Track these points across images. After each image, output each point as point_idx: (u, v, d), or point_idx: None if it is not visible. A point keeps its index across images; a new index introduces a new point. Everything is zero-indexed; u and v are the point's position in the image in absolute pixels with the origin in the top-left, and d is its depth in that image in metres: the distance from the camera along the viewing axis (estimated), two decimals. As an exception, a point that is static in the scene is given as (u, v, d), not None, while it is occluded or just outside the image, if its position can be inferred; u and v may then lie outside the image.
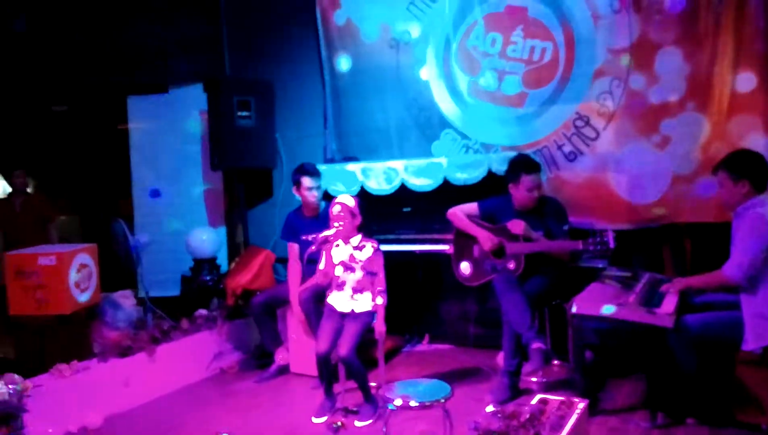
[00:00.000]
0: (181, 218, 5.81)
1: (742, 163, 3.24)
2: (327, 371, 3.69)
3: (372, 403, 3.65)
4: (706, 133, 4.11)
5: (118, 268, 4.86)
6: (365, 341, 3.88)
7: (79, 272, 4.21)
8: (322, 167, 4.86)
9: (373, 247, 3.70)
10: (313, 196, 4.37)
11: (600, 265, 4.03)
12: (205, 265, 5.33)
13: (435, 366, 4.48)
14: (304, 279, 4.31)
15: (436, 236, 4.57)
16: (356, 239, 3.71)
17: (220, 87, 5.30)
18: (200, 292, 5.17)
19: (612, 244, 3.46)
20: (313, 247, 3.64)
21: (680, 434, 3.21)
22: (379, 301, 3.69)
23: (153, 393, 4.23)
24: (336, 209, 3.68)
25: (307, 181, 4.36)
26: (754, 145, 3.80)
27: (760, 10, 3.94)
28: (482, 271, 4.03)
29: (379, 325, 3.70)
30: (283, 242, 4.60)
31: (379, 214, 4.78)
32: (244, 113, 5.31)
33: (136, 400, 4.12)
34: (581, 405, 2.87)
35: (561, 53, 4.52)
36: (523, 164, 3.90)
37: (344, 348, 3.54)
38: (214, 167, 5.40)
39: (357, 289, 3.71)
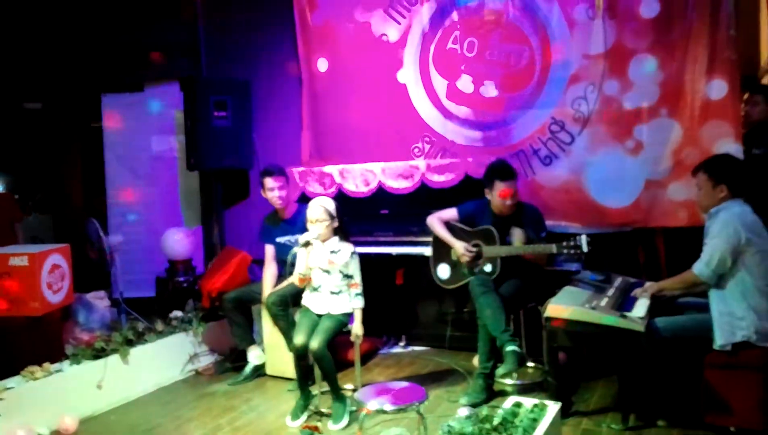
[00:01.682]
0: (156, 218, 5.75)
1: (722, 167, 3.30)
2: (304, 369, 3.68)
3: (341, 401, 3.66)
4: (678, 138, 4.18)
5: (92, 268, 4.80)
6: (342, 343, 3.90)
7: (51, 273, 4.15)
8: (299, 169, 4.86)
9: (348, 250, 3.71)
10: (275, 196, 4.35)
11: (574, 269, 4.09)
12: (180, 266, 5.29)
13: (411, 368, 4.51)
14: (279, 281, 4.31)
15: (413, 239, 4.59)
16: (333, 242, 3.72)
17: (196, 86, 5.26)
18: (175, 294, 5.13)
19: (585, 248, 3.51)
20: (295, 250, 3.63)
21: (651, 436, 3.28)
22: (356, 303, 3.71)
23: (127, 395, 4.19)
24: (314, 212, 3.67)
25: (268, 181, 4.34)
26: (724, 151, 3.88)
27: (731, 19, 4.01)
28: (459, 274, 4.07)
29: (356, 328, 3.71)
30: (259, 243, 4.59)
31: (356, 216, 4.77)
32: (221, 113, 5.27)
33: (110, 403, 4.08)
34: (554, 407, 2.90)
35: (537, 58, 4.57)
36: (497, 171, 3.92)
37: (316, 341, 3.54)
38: (190, 167, 5.35)
39: (334, 292, 3.72)
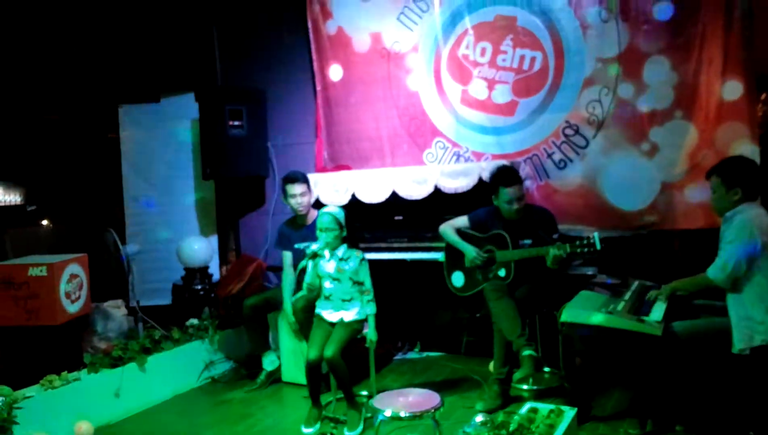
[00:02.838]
0: (172, 227, 5.80)
1: (736, 170, 3.25)
2: (316, 379, 3.69)
3: (356, 408, 3.66)
4: (693, 140, 4.15)
5: (109, 277, 4.85)
6: (356, 350, 3.90)
7: (69, 282, 4.20)
8: (313, 176, 4.88)
9: (358, 256, 3.72)
10: (298, 203, 4.38)
11: (589, 273, 4.05)
12: (196, 274, 5.32)
13: (426, 374, 4.49)
14: (297, 288, 4.32)
15: (427, 244, 4.58)
16: (341, 250, 3.72)
17: (211, 96, 5.31)
18: (192, 301, 5.15)
19: (599, 245, 3.47)
20: (303, 263, 3.65)
21: (670, 441, 3.23)
22: (369, 309, 3.71)
23: (144, 403, 4.22)
24: (324, 221, 3.69)
25: (290, 188, 4.37)
26: (740, 152, 3.85)
27: (745, 19, 3.98)
28: (474, 280, 4.05)
29: (370, 334, 3.71)
30: (275, 251, 4.60)
31: (370, 222, 4.79)
32: (236, 122, 5.32)
33: (127, 411, 4.11)
34: (571, 413, 2.88)
35: (550, 62, 4.56)
36: (500, 177, 3.90)
37: (330, 349, 3.55)
38: (205, 176, 5.40)
39: (345, 300, 3.73)
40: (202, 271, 5.35)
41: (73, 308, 4.22)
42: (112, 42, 5.90)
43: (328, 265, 3.73)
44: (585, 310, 3.33)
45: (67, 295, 4.17)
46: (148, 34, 5.81)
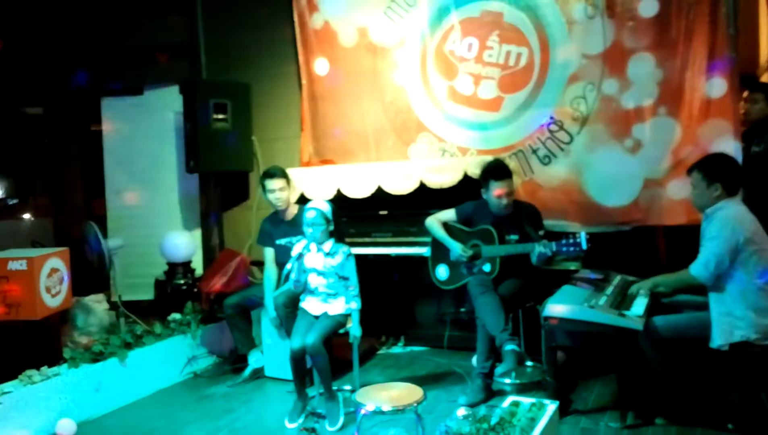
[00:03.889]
0: (155, 221, 5.75)
1: (716, 166, 3.28)
2: (300, 370, 3.67)
3: (334, 401, 3.65)
4: (677, 137, 4.17)
5: (91, 272, 4.80)
6: (340, 344, 3.89)
7: (50, 277, 4.14)
8: (298, 170, 4.86)
9: (344, 252, 3.71)
10: (276, 198, 4.35)
11: (573, 268, 4.07)
12: (179, 268, 5.28)
13: (410, 368, 4.49)
14: (280, 283, 4.30)
15: (412, 239, 4.58)
16: (328, 245, 3.71)
17: (196, 89, 5.27)
18: (174, 296, 5.12)
19: (585, 245, 3.49)
20: (289, 265, 3.63)
21: (649, 434, 3.24)
22: (354, 305, 3.70)
23: (125, 398, 4.18)
24: (310, 216, 3.67)
25: (268, 183, 4.34)
26: (723, 149, 3.87)
27: (730, 18, 4.00)
28: (458, 274, 4.05)
29: (354, 329, 3.70)
30: (258, 245, 4.58)
31: (355, 217, 4.78)
32: (220, 116, 5.28)
33: (109, 406, 4.07)
34: (552, 406, 2.89)
35: (536, 58, 4.56)
36: (491, 171, 3.91)
37: (312, 336, 3.54)
38: (189, 170, 5.36)
39: (330, 294, 3.72)
40: (185, 266, 5.31)
41: (53, 302, 4.16)
42: (95, 33, 5.83)
43: (315, 260, 3.71)
44: (568, 305, 3.35)
45: (48, 289, 4.11)
46: (131, 26, 5.75)
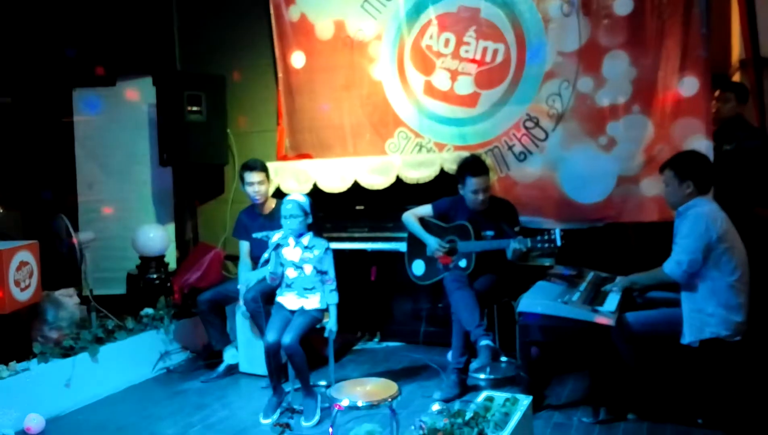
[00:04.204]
0: (128, 214, 5.66)
1: (688, 164, 3.34)
2: (275, 366, 3.65)
3: (312, 398, 3.64)
4: (650, 135, 4.22)
5: (61, 265, 4.71)
6: (316, 339, 3.88)
7: (19, 270, 4.05)
8: (274, 164, 4.82)
9: (323, 245, 3.70)
10: (254, 191, 4.33)
11: (547, 264, 4.11)
12: (152, 262, 5.21)
13: (385, 364, 4.50)
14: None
15: (388, 234, 4.58)
16: (306, 239, 3.69)
17: (169, 81, 5.19)
18: (147, 291, 5.05)
19: (559, 242, 3.52)
20: (266, 255, 3.60)
21: (621, 429, 3.29)
22: (331, 299, 3.69)
23: (97, 394, 4.13)
24: (288, 207, 3.65)
25: (248, 176, 4.32)
26: (695, 147, 3.91)
27: (703, 18, 4.05)
28: (434, 269, 4.07)
29: (331, 324, 3.70)
30: (234, 239, 4.54)
31: (332, 211, 4.77)
32: (195, 108, 5.22)
33: (79, 402, 4.01)
34: (526, 401, 2.91)
35: (512, 55, 4.58)
36: (468, 166, 3.92)
37: (288, 336, 3.52)
38: (163, 163, 5.29)
39: (307, 289, 3.71)
40: (158, 260, 5.24)
41: (22, 296, 4.07)
42: (67, 22, 5.70)
43: (293, 253, 3.69)
44: (542, 300, 3.38)
45: (17, 283, 4.03)
46: (104, 15, 5.63)
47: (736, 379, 3.16)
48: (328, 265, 3.70)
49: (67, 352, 4.04)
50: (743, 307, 3.17)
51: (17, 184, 5.99)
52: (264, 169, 4.36)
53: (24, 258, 4.11)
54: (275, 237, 3.64)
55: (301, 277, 3.70)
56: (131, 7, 5.63)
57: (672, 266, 3.24)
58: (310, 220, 3.70)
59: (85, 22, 5.65)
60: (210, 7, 5.65)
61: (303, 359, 3.58)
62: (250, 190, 4.33)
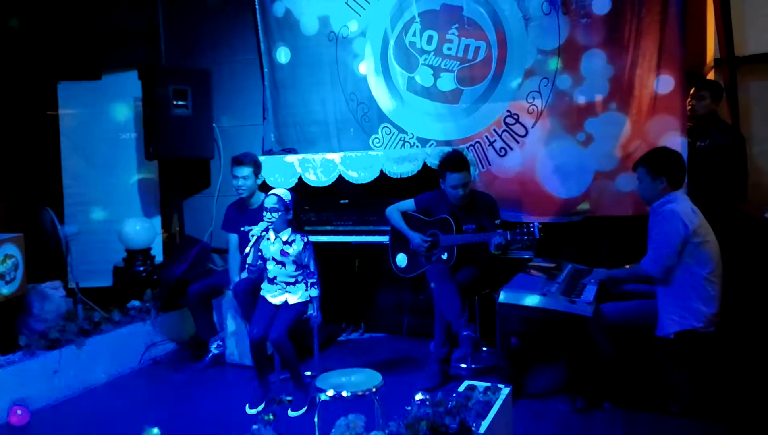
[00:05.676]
0: (114, 208, 5.67)
1: (661, 160, 3.42)
2: (261, 358, 3.72)
3: (303, 389, 3.72)
4: (626, 132, 4.31)
5: (47, 258, 4.72)
6: (301, 330, 3.94)
7: (4, 263, 4.08)
8: (260, 158, 4.86)
9: (302, 240, 3.75)
10: (239, 185, 4.39)
11: (526, 256, 4.20)
12: (138, 255, 5.24)
13: (369, 355, 4.58)
14: (242, 270, 4.31)
15: (372, 228, 4.65)
16: (286, 233, 3.75)
17: (155, 75, 5.20)
18: (133, 283, 5.08)
19: (537, 235, 3.62)
20: (247, 248, 3.66)
21: (598, 417, 3.39)
22: (313, 292, 3.76)
23: (83, 386, 4.17)
24: (270, 201, 3.70)
25: (235, 170, 4.39)
26: (670, 144, 4.02)
27: (679, 17, 4.15)
28: (417, 262, 4.15)
29: (315, 315, 3.76)
30: (219, 232, 4.59)
31: (317, 205, 4.83)
32: (180, 102, 5.24)
33: (65, 394, 4.05)
34: (506, 390, 2.99)
35: (494, 52, 4.66)
36: (448, 162, 3.99)
37: (275, 331, 3.59)
38: (149, 157, 5.30)
39: (289, 283, 3.77)
40: (144, 253, 5.26)
41: (7, 290, 4.09)
42: (52, 15, 5.68)
43: (273, 248, 3.75)
44: (521, 292, 3.47)
45: (2, 275, 4.05)
46: (90, 8, 5.62)
47: (709, 369, 3.26)
48: (309, 259, 3.76)
49: (54, 345, 4.07)
50: (716, 299, 3.26)
51: (2, 176, 5.98)
52: (252, 164, 4.41)
53: (9, 251, 4.13)
54: (254, 231, 3.70)
55: (282, 271, 3.76)
56: (116, 1, 5.63)
57: (649, 263, 3.33)
58: (290, 215, 3.76)
59: (70, 15, 5.63)
60: (195, 1, 5.66)
61: (292, 352, 3.65)
62: (235, 183, 4.40)
